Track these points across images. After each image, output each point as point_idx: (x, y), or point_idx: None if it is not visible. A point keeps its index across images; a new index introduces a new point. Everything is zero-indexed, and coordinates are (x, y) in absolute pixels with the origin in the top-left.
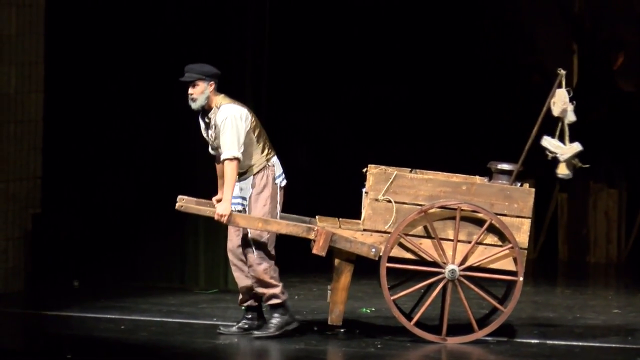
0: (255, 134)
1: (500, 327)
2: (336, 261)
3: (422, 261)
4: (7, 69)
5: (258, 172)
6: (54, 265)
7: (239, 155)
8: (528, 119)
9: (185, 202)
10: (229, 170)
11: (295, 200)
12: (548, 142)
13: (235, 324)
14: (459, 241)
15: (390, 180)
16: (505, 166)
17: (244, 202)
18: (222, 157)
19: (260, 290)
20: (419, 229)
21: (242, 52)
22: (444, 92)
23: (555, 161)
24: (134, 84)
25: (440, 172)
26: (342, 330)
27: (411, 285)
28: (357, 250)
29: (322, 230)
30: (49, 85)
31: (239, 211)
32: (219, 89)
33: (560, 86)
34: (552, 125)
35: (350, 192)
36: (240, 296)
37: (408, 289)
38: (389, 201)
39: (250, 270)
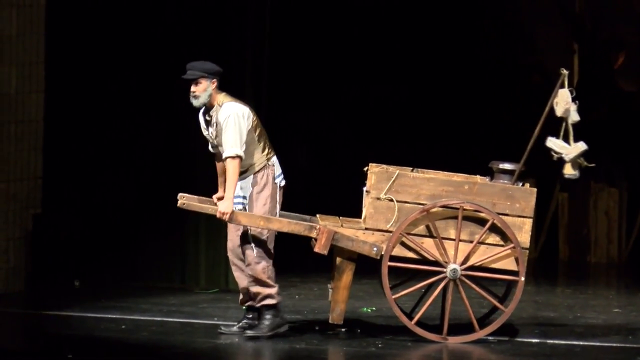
0: (257, 133)
1: (501, 326)
2: (338, 260)
3: (423, 260)
4: (7, 69)
5: (258, 171)
6: (54, 265)
7: (242, 154)
8: (528, 119)
9: (187, 200)
10: (231, 168)
11: (295, 200)
12: (553, 143)
13: (236, 323)
14: (460, 240)
15: (393, 179)
16: (507, 166)
17: (244, 201)
18: (225, 155)
19: (255, 289)
20: (421, 228)
21: (242, 52)
22: (444, 92)
23: (561, 162)
24: (134, 84)
25: (440, 172)
26: (343, 329)
27: (412, 285)
28: (359, 249)
29: (324, 229)
30: (50, 85)
31: (239, 210)
32: (220, 88)
33: (562, 86)
34: (554, 126)
35: (350, 192)
36: (241, 296)
37: (409, 288)
38: (391, 200)
39: (248, 268)
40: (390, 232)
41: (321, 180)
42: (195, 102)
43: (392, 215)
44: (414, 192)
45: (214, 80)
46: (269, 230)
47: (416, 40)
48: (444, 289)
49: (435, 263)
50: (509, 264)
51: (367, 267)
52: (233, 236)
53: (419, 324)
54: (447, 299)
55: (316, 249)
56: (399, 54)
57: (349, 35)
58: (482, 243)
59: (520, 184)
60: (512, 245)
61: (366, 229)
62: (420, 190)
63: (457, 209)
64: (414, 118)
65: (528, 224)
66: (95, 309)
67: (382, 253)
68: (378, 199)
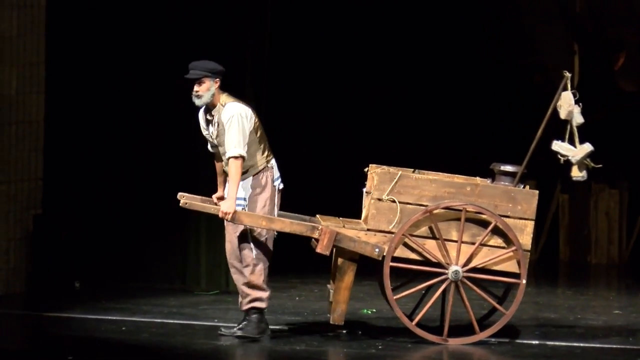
0: (258, 135)
1: (502, 327)
2: (339, 260)
3: (425, 262)
4: (8, 70)
5: (258, 172)
6: (55, 266)
7: (244, 154)
8: (528, 119)
9: (189, 200)
10: (233, 168)
11: (295, 200)
12: (559, 146)
13: (236, 325)
14: (462, 242)
15: (395, 180)
16: (508, 168)
17: (244, 203)
18: (228, 155)
19: (247, 290)
20: (423, 230)
21: (242, 52)
22: (444, 92)
23: (568, 164)
24: (134, 84)
25: (440, 173)
26: (343, 331)
27: (413, 286)
28: (361, 249)
29: (326, 229)
30: (50, 86)
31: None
32: (221, 88)
33: (565, 89)
34: (555, 128)
35: (350, 192)
36: (240, 298)
37: (410, 289)
38: (393, 201)
39: (245, 269)
40: (392, 233)
41: (321, 180)
42: (198, 102)
43: (394, 216)
44: (416, 193)
45: (217, 79)
46: (268, 232)
47: (416, 40)
48: (445, 291)
49: (437, 264)
50: (510, 266)
51: (367, 268)
52: (232, 238)
53: (419, 325)
54: (449, 301)
55: (318, 250)
56: (399, 54)
57: (349, 36)
58: (484, 245)
59: (522, 185)
60: (514, 247)
61: (368, 229)
62: (422, 191)
63: (460, 210)
64: (414, 118)
65: (530, 226)
66: (95, 310)
67: (384, 254)
68: (380, 199)
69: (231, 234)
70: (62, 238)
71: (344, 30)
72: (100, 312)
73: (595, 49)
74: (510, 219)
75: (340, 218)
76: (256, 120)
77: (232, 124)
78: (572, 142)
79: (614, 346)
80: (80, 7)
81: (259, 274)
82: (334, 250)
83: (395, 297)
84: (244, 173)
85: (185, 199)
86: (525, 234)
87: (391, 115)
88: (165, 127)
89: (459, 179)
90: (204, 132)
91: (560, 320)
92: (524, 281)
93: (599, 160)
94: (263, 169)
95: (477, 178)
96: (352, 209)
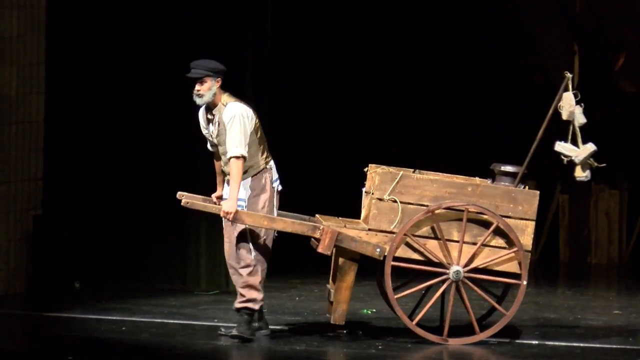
0: (258, 136)
1: (502, 328)
2: (340, 260)
3: (426, 262)
4: (8, 70)
5: (257, 173)
6: (55, 266)
7: (246, 154)
8: (529, 120)
9: (190, 199)
10: (235, 168)
11: (295, 200)
12: (562, 147)
13: (236, 325)
14: (464, 242)
15: (396, 180)
16: (508, 168)
17: (243, 204)
18: (229, 155)
19: (242, 291)
20: (424, 230)
21: (242, 52)
22: (444, 92)
23: (572, 165)
24: (134, 84)
25: (439, 173)
26: (344, 331)
27: (414, 286)
28: (362, 249)
29: (327, 229)
30: (50, 86)
31: None
32: (221, 88)
33: (567, 89)
34: (556, 128)
35: (350, 192)
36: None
37: (411, 289)
38: (395, 201)
39: (243, 269)
40: (393, 233)
41: (321, 180)
42: (199, 101)
43: (396, 216)
44: (417, 193)
45: (218, 79)
46: (267, 233)
47: (416, 40)
48: (445, 291)
49: (438, 264)
50: (511, 267)
51: (368, 268)
52: (231, 239)
53: (418, 325)
54: (449, 301)
55: (319, 249)
56: (399, 54)
57: (349, 36)
58: (485, 245)
59: (522, 186)
60: (515, 248)
61: (369, 229)
62: (423, 191)
63: (462, 210)
64: (414, 118)
65: (531, 226)
66: (95, 311)
67: (385, 254)
68: (381, 199)
69: (230, 234)
70: (62, 238)
71: (344, 30)
72: (100, 312)
73: (595, 49)
74: (511, 219)
75: (340, 218)
76: (257, 121)
77: (233, 123)
78: (574, 142)
79: (614, 346)
80: (80, 7)
81: (256, 275)
82: (335, 250)
83: (396, 296)
84: (243, 174)
85: (187, 199)
86: (526, 235)
87: (391, 115)
88: (165, 127)
89: (458, 179)
90: (204, 131)
91: (560, 320)
92: (525, 282)
93: (600, 160)
94: (262, 170)
95: (476, 178)
96: (351, 209)
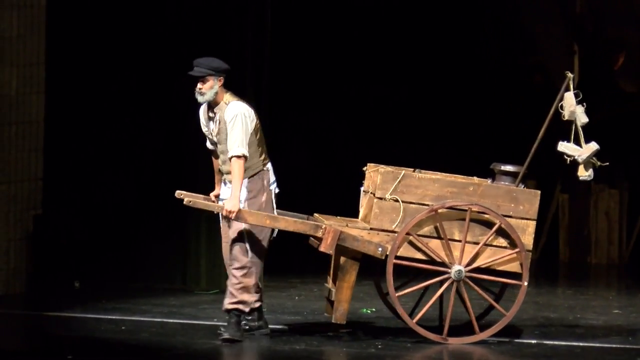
0: (257, 137)
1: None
2: (342, 259)
3: (428, 261)
4: (8, 70)
5: (254, 175)
6: (55, 266)
7: (247, 153)
8: (529, 119)
9: (192, 198)
10: (236, 168)
11: (295, 200)
12: (565, 146)
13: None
14: (466, 242)
15: (398, 179)
16: (509, 168)
17: (240, 205)
18: (230, 154)
19: (235, 292)
20: (426, 229)
21: (242, 52)
22: (444, 92)
23: (575, 164)
24: (134, 84)
25: (439, 173)
26: (343, 330)
27: (414, 285)
28: (364, 248)
29: (330, 228)
30: (50, 86)
31: None
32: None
33: (568, 89)
34: (556, 128)
35: (349, 192)
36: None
37: (412, 288)
38: (396, 200)
39: (238, 270)
40: (395, 232)
41: (321, 180)
42: (201, 99)
43: (397, 215)
44: (419, 192)
45: (221, 78)
46: (264, 234)
47: (416, 40)
48: (445, 290)
49: (440, 264)
50: (512, 267)
51: (369, 268)
52: (228, 239)
53: (418, 325)
54: (450, 300)
55: (321, 248)
56: (399, 54)
57: (349, 36)
58: (486, 245)
59: (522, 185)
60: (517, 249)
61: (371, 229)
62: (425, 191)
63: (464, 210)
64: (414, 118)
65: (532, 226)
66: (95, 310)
67: (387, 253)
68: (382, 198)
69: (227, 234)
70: (62, 238)
71: (344, 30)
72: (100, 311)
73: (595, 49)
74: (513, 219)
75: (338, 217)
76: (257, 122)
77: (235, 123)
78: (577, 141)
79: (614, 346)
80: (80, 7)
81: (251, 277)
82: (335, 249)
83: (398, 294)
84: None
85: (188, 197)
86: (527, 234)
87: (391, 115)
88: (165, 127)
89: (459, 178)
90: (204, 129)
91: (560, 320)
92: (526, 283)
93: (601, 159)
94: (259, 171)
95: (475, 178)
96: (351, 209)
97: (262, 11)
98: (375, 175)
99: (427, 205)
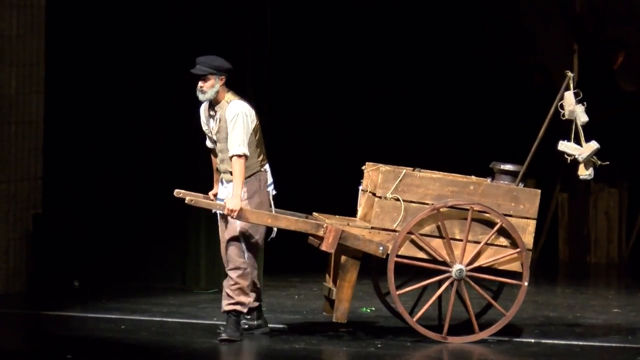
0: (256, 137)
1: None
2: (343, 258)
3: (428, 260)
4: (7, 70)
5: (251, 175)
6: (55, 265)
7: (247, 153)
8: (529, 120)
9: (193, 197)
10: (237, 167)
11: (295, 200)
12: (565, 146)
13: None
14: (467, 241)
15: (399, 178)
16: (508, 167)
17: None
18: (231, 153)
19: (231, 293)
20: (427, 228)
21: (242, 52)
22: (444, 92)
23: (575, 163)
24: (134, 84)
25: (437, 172)
26: (343, 330)
27: (415, 284)
28: (366, 247)
29: (331, 227)
30: (50, 86)
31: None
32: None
33: (568, 89)
34: (557, 127)
35: (349, 191)
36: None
37: (412, 286)
38: (397, 199)
39: (234, 271)
40: (396, 231)
41: (321, 180)
42: (202, 97)
43: (398, 214)
44: (420, 191)
45: (222, 77)
46: (259, 235)
47: (416, 40)
48: (446, 289)
49: (441, 263)
50: (512, 266)
51: (367, 267)
52: (226, 239)
53: (418, 324)
54: (450, 300)
55: (323, 247)
56: (399, 54)
57: (349, 36)
58: (487, 244)
59: (522, 185)
60: (518, 249)
61: (372, 228)
62: (426, 190)
63: (466, 209)
64: (414, 118)
65: (532, 225)
66: (95, 310)
67: (388, 252)
68: (382, 197)
69: (225, 235)
70: (62, 238)
71: (343, 30)
72: (99, 311)
73: (595, 49)
74: (513, 217)
75: (336, 216)
76: (257, 122)
77: (237, 122)
78: (577, 141)
79: (613, 345)
80: (80, 7)
81: (246, 278)
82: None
83: (398, 292)
84: None
85: (188, 196)
86: (527, 234)
87: (391, 115)
88: (165, 127)
89: (459, 178)
90: (204, 127)
91: (560, 319)
92: (526, 283)
93: (601, 159)
94: (257, 172)
95: (472, 177)
96: (350, 208)
97: (262, 11)
98: (374, 174)
99: (428, 204)
